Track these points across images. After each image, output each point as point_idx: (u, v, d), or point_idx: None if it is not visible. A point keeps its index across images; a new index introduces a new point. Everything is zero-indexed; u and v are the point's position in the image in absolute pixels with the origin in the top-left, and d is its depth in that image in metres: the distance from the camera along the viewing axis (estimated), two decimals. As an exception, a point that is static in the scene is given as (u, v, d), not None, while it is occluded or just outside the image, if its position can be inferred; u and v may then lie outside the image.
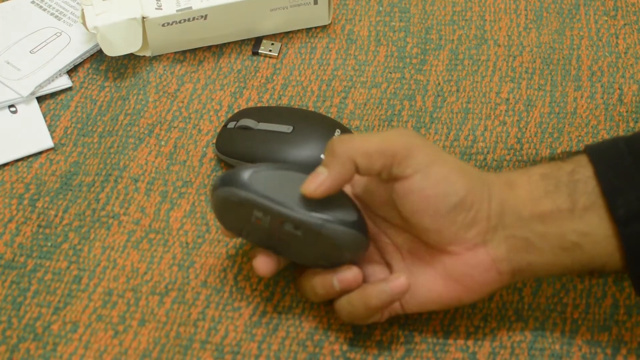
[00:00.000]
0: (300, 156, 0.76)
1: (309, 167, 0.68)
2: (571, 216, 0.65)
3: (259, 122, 0.79)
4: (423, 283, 0.68)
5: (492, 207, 0.66)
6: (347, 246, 0.67)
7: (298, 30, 0.90)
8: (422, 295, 0.68)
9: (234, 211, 0.68)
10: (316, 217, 0.67)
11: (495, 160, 0.81)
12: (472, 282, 0.67)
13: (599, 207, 0.64)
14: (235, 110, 0.84)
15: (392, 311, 0.69)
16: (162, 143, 0.82)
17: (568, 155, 0.68)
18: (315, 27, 0.90)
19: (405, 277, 0.67)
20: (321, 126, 0.79)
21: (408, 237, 0.69)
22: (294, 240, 0.67)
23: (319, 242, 0.67)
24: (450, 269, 0.67)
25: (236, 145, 0.79)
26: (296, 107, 0.84)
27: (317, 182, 0.66)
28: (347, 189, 0.71)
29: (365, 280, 0.69)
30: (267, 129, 0.78)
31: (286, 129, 0.78)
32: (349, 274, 0.68)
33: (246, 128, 0.79)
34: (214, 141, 0.81)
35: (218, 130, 0.83)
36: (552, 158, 0.69)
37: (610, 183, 0.64)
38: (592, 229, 0.65)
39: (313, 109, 0.84)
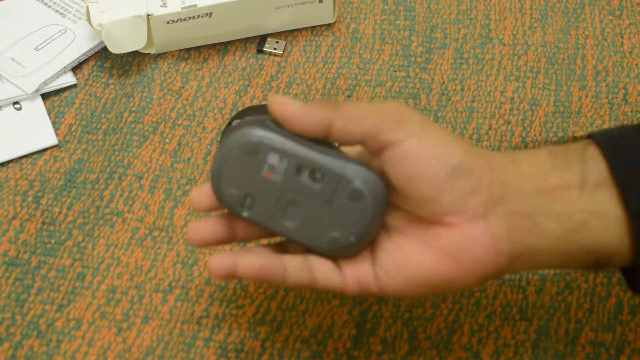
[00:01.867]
0: None
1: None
2: (580, 193, 0.61)
3: None
4: (412, 257, 0.62)
5: (494, 177, 0.61)
6: (370, 192, 0.62)
7: (303, 29, 0.90)
8: (410, 271, 0.62)
9: (243, 164, 0.62)
10: (339, 157, 0.62)
11: (500, 159, 0.80)
12: (468, 258, 0.62)
13: (611, 187, 0.60)
14: (240, 108, 0.84)
15: (364, 289, 0.63)
16: (167, 141, 0.82)
17: (574, 140, 0.64)
18: (320, 26, 0.90)
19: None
20: None
21: (397, 216, 0.64)
22: (307, 199, 0.62)
23: (336, 195, 0.62)
24: (445, 242, 0.61)
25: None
26: None
27: (284, 102, 0.62)
28: None
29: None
30: None
31: None
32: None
33: None
34: (218, 139, 0.81)
35: (222, 128, 0.83)
36: (558, 142, 0.67)
37: (623, 175, 0.61)
38: (602, 209, 0.61)
39: (317, 107, 0.84)
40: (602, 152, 0.61)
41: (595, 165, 0.61)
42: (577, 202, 0.61)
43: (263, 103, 0.85)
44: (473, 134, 0.82)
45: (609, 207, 0.60)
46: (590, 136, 0.63)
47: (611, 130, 0.64)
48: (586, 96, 0.85)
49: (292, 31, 0.90)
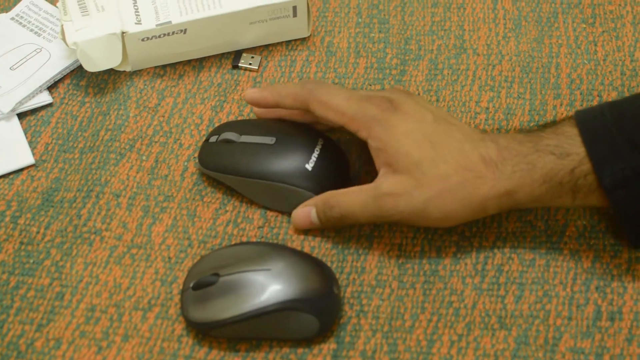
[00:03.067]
0: (283, 167, 0.77)
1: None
2: (572, 204, 0.72)
3: (241, 135, 0.79)
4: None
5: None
6: None
7: (278, 43, 0.90)
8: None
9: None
10: None
11: (476, 169, 0.81)
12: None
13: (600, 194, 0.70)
14: (217, 124, 0.84)
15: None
16: (144, 158, 0.82)
17: (558, 123, 0.73)
18: (295, 40, 0.90)
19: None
20: (304, 136, 0.79)
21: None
22: None
23: None
24: None
25: (219, 159, 0.79)
26: None
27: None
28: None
29: None
30: (250, 142, 0.78)
31: (269, 140, 0.78)
32: None
33: (228, 141, 0.79)
34: (196, 155, 0.81)
35: (199, 144, 0.83)
36: (543, 126, 0.73)
37: (599, 158, 0.69)
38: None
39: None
40: (581, 139, 0.70)
41: (584, 182, 0.70)
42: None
43: (240, 119, 0.85)
44: (449, 144, 0.82)
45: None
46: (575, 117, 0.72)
47: (592, 111, 0.72)
48: (561, 104, 0.85)
49: (267, 46, 0.90)
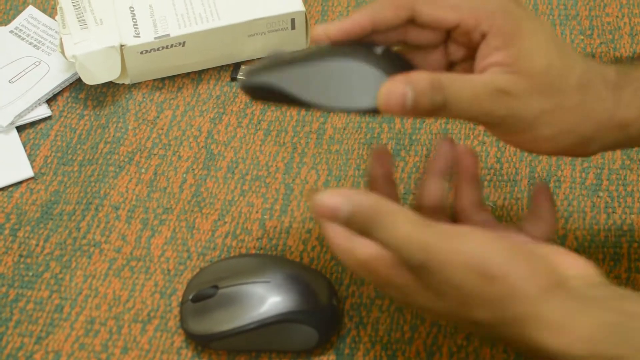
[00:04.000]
0: (351, 48, 0.65)
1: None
2: None
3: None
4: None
5: None
6: None
7: (276, 55, 0.90)
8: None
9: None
10: None
11: (475, 181, 0.81)
12: None
13: None
14: (215, 136, 0.84)
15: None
16: (143, 170, 0.82)
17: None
18: (294, 52, 0.91)
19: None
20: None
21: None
22: None
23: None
24: None
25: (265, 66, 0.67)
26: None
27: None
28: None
29: None
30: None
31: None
32: None
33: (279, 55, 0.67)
34: (194, 167, 0.81)
35: (198, 156, 0.83)
36: (618, 60, 0.68)
37: None
38: None
39: (292, 134, 0.85)
40: None
41: None
42: None
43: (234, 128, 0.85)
44: (448, 156, 0.83)
45: None
46: None
47: None
48: (559, 116, 0.85)
49: (266, 58, 0.90)
